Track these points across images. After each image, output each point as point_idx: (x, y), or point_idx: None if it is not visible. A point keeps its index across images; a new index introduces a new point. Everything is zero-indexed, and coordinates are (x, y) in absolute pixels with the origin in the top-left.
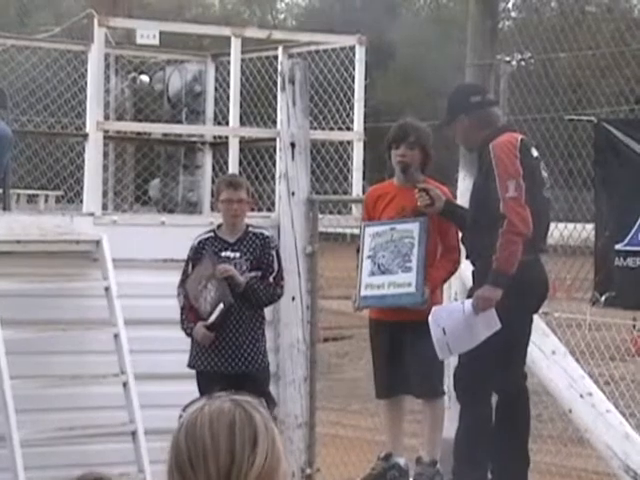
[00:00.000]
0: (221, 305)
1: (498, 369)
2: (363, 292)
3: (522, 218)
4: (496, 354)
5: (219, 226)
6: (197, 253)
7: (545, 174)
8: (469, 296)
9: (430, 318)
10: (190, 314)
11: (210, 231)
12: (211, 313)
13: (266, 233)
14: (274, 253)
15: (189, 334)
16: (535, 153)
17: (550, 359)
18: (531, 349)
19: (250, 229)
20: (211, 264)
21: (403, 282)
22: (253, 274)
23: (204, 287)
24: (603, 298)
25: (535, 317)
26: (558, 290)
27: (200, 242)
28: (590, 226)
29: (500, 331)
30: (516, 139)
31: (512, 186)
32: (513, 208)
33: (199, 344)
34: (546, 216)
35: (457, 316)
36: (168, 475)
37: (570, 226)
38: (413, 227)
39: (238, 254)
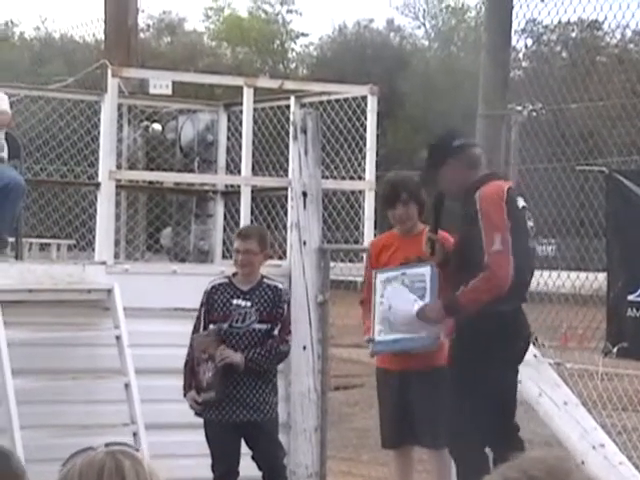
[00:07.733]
0: (212, 394)
1: (488, 423)
2: (377, 337)
3: (505, 273)
4: (484, 409)
5: (235, 274)
6: (210, 298)
7: (531, 224)
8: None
9: (389, 292)
10: (190, 376)
11: (225, 277)
12: (205, 390)
13: (280, 286)
14: (285, 307)
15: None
16: (521, 203)
17: (562, 410)
18: (543, 400)
19: (265, 280)
20: (215, 342)
21: None
22: (259, 326)
23: (205, 361)
24: (615, 349)
25: (547, 367)
26: (570, 340)
27: (213, 287)
28: (601, 275)
29: (486, 385)
30: (502, 190)
31: (498, 239)
32: (497, 262)
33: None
34: (530, 266)
35: (406, 305)
36: None
37: (582, 275)
38: (424, 271)
39: (249, 303)
